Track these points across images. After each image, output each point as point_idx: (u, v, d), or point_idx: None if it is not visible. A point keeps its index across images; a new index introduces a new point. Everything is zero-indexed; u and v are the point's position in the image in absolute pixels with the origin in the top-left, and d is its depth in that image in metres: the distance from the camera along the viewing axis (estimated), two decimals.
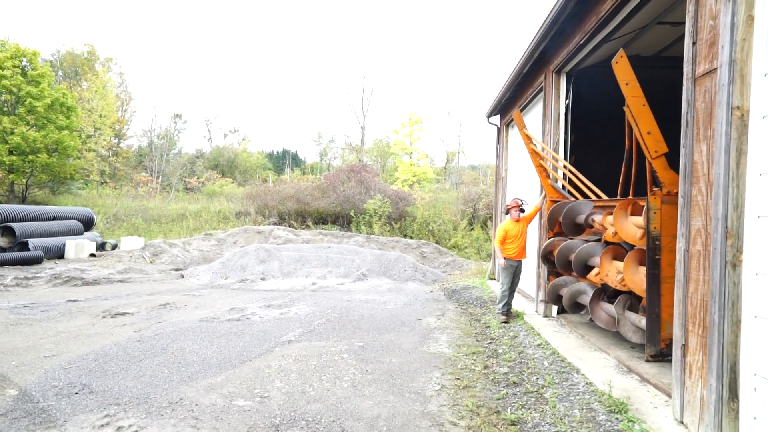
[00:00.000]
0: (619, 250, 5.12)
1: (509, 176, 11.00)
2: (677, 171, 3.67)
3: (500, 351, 5.47)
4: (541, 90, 8.11)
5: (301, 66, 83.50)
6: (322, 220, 22.35)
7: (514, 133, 11.32)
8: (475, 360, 5.19)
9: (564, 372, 4.56)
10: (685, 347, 3.45)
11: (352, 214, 21.20)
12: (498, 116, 11.71)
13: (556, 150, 7.25)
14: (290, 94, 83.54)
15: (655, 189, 4.26)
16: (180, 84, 74.55)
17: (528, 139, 6.96)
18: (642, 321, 4.47)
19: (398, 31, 78.38)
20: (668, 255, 4.10)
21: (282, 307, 8.12)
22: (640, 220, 4.54)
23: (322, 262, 12.81)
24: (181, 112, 56.91)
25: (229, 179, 36.33)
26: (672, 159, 5.34)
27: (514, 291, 7.10)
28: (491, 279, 11.16)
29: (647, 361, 4.38)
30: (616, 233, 4.88)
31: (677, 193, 4.11)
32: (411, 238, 19.66)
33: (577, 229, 6.10)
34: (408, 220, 21.22)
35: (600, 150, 8.86)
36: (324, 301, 8.88)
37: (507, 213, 7.16)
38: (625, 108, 4.34)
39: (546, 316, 7.08)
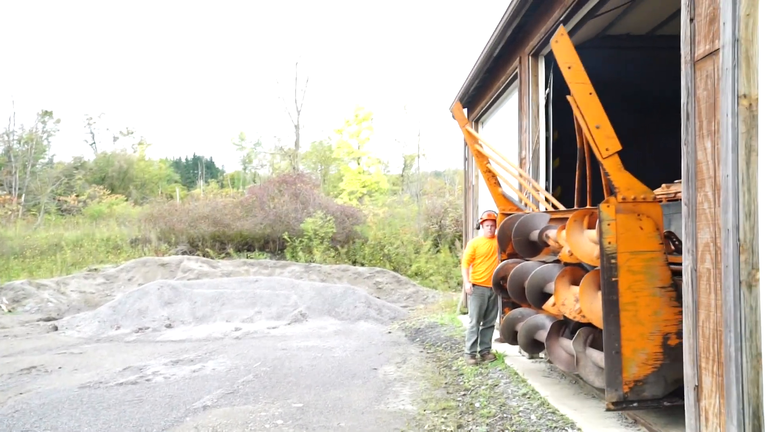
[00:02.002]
0: (578, 272, 5.08)
1: (481, 184, 11.24)
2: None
3: (477, 405, 5.49)
4: (515, 77, 8.39)
5: (215, 50, 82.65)
6: (247, 246, 21.87)
7: (485, 131, 11.63)
8: (446, 418, 5.17)
9: (556, 428, 4.63)
10: (698, 389, 3.56)
11: (286, 237, 20.89)
12: (465, 110, 11.99)
13: (536, 150, 7.47)
14: (201, 85, 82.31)
15: (609, 196, 4.41)
16: (49, 72, 71.63)
17: (472, 138, 7.08)
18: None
19: (338, 4, 79.42)
20: (627, 276, 4.21)
21: (195, 363, 7.93)
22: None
23: (248, 300, 12.61)
24: (51, 109, 54.26)
25: (122, 196, 34.99)
26: (672, 158, 5.57)
27: (492, 326, 7.17)
28: (464, 313, 11.26)
29: (608, 410, 4.32)
30: (571, 252, 4.85)
31: (635, 199, 4.29)
32: (362, 265, 19.60)
33: (532, 247, 6.08)
34: (358, 243, 21.17)
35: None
36: (251, 351, 8.74)
37: (479, 228, 7.28)
38: (568, 98, 4.51)
39: (532, 358, 7.19)
